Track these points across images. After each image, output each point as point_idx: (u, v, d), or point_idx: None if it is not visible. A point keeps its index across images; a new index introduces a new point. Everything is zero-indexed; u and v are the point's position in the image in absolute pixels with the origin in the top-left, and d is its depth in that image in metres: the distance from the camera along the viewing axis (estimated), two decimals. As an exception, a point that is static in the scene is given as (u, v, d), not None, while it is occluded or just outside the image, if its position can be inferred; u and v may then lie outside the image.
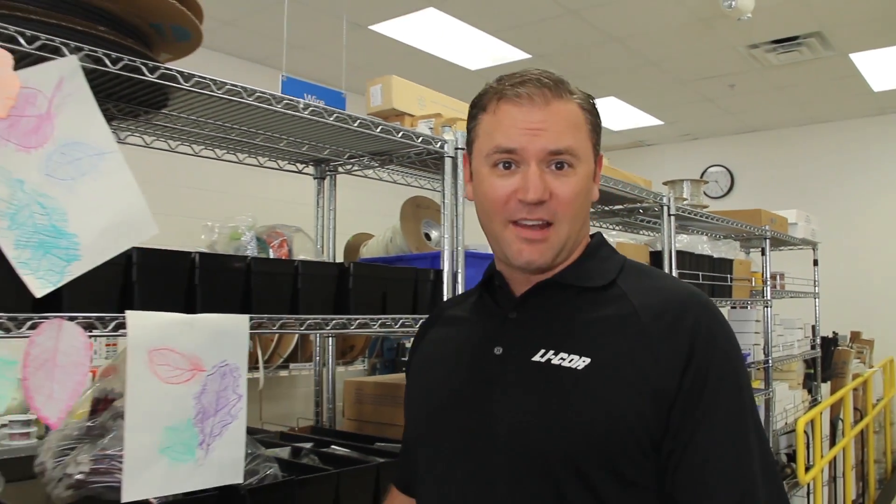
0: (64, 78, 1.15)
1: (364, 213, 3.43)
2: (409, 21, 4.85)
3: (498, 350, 1.09)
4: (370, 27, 4.94)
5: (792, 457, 4.53)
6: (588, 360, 1.01)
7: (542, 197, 1.03)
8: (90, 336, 1.18)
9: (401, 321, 1.65)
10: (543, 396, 1.02)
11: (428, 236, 2.07)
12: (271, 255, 1.67)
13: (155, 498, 1.33)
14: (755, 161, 7.92)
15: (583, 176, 1.07)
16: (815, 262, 5.02)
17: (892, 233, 6.98)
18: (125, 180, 1.20)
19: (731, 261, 3.47)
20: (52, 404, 1.14)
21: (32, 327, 1.13)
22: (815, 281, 4.96)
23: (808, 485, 4.24)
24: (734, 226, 3.64)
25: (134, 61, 1.23)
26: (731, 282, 3.45)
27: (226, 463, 1.35)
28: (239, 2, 4.51)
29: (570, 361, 1.02)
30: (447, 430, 1.09)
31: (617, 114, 7.11)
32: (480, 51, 5.42)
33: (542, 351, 1.05)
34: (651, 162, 8.32)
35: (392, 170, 2.09)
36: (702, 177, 8.05)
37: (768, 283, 3.95)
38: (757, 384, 3.91)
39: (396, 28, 4.96)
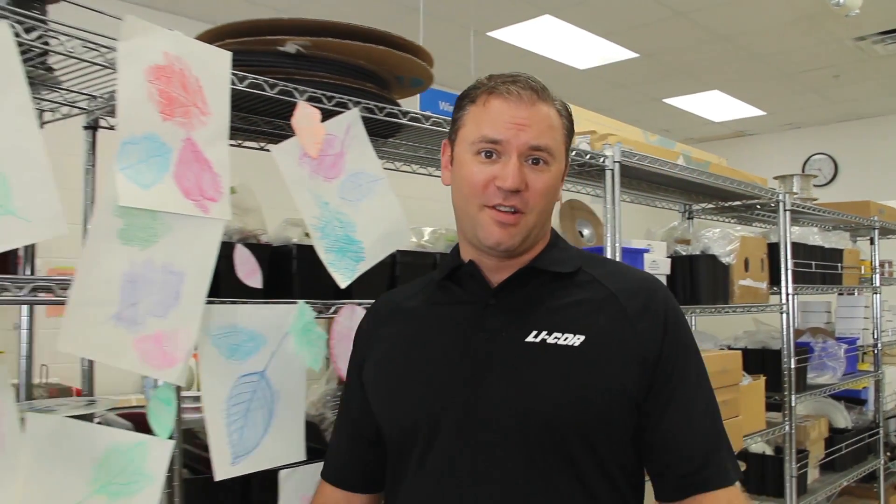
0: (350, 125, 1.57)
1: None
2: (526, 27, 5.20)
3: (486, 335, 1.16)
4: (488, 34, 5.32)
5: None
6: (583, 337, 1.12)
7: (519, 186, 1.12)
8: (366, 314, 1.60)
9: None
10: (547, 372, 1.10)
11: (581, 233, 2.43)
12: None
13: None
14: (859, 148, 7.92)
15: (555, 173, 1.18)
16: (923, 250, 5.13)
17: None
18: (391, 200, 1.62)
19: (840, 250, 3.70)
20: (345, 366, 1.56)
21: (335, 311, 1.56)
22: (922, 268, 5.07)
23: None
24: (844, 217, 3.86)
25: (393, 109, 1.65)
26: (841, 270, 3.68)
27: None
28: (373, 13, 4.95)
29: (565, 339, 1.12)
30: (442, 421, 1.13)
31: (719, 105, 7.27)
32: (590, 52, 5.73)
33: (535, 332, 1.13)
34: (753, 151, 8.43)
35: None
36: (804, 165, 8.12)
37: (877, 270, 4.14)
38: (866, 366, 4.11)
39: (514, 34, 5.32)
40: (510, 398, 1.10)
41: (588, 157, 2.06)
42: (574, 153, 2.06)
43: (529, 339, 1.13)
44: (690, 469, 1.13)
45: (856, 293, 4.21)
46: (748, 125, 8.17)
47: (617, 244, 2.07)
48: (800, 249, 3.27)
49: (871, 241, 4.19)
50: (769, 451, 3.25)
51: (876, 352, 4.09)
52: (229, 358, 1.39)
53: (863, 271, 4.08)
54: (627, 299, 1.16)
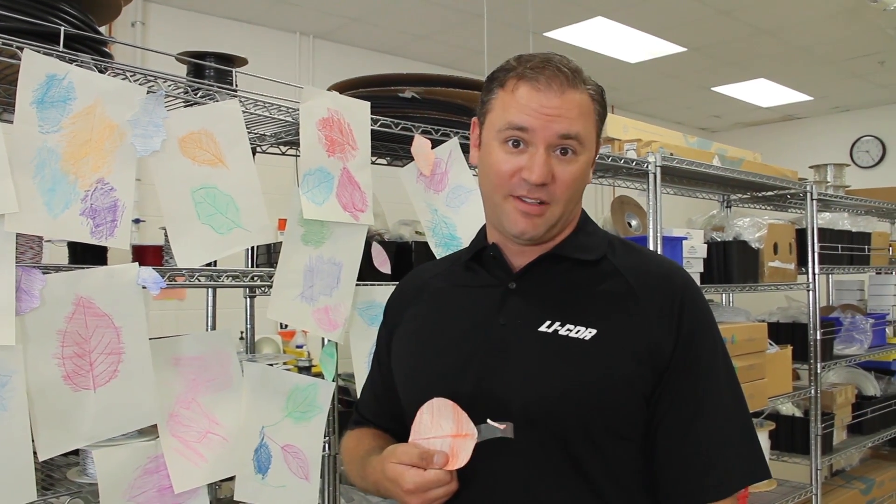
0: (451, 150, 2.07)
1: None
2: (580, 28, 5.63)
3: (503, 321, 1.15)
4: (545, 34, 5.76)
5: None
6: (594, 332, 1.10)
7: (545, 180, 1.10)
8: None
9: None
10: (555, 365, 1.10)
11: (630, 224, 2.91)
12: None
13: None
14: (907, 130, 8.12)
15: (584, 162, 1.14)
16: (957, 231, 5.45)
17: None
18: (481, 206, 2.12)
19: (868, 234, 4.10)
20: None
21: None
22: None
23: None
24: (872, 203, 4.24)
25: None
26: (868, 252, 4.07)
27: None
28: (433, 19, 5.44)
29: (577, 332, 1.11)
30: (455, 402, 1.09)
31: (766, 92, 7.57)
32: (640, 47, 6.12)
33: (549, 322, 1.12)
34: (801, 134, 8.68)
35: (600, 175, 2.94)
36: (852, 147, 8.35)
37: (907, 251, 4.52)
38: (895, 340, 4.50)
39: (569, 34, 5.76)
40: (516, 387, 1.10)
41: (634, 163, 2.54)
42: (622, 160, 2.53)
43: (542, 328, 1.12)
44: (691, 476, 1.12)
45: (883, 273, 4.59)
46: (796, 109, 8.44)
47: (659, 234, 2.53)
48: (827, 233, 3.68)
49: (902, 225, 4.56)
50: (798, 414, 3.69)
51: (905, 327, 4.48)
52: (370, 325, 1.92)
53: (892, 253, 4.46)
54: (645, 293, 1.15)
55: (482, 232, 1.30)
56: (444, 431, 1.06)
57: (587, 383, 1.09)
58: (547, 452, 1.09)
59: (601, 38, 5.88)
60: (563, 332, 1.11)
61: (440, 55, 6.23)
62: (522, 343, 1.13)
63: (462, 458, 1.04)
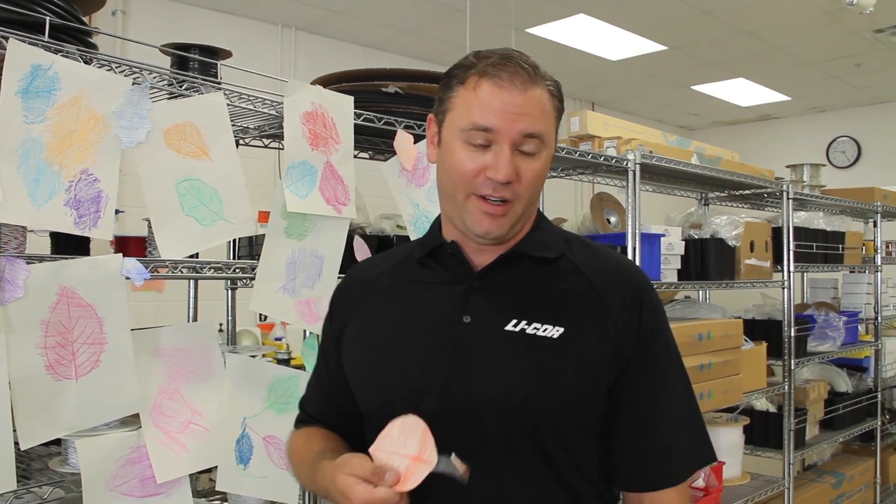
0: (433, 145, 2.09)
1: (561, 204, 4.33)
2: (562, 24, 5.66)
3: (466, 318, 1.14)
4: (527, 30, 5.78)
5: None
6: (561, 330, 1.12)
7: (511, 178, 1.09)
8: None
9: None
10: (524, 364, 1.10)
11: (609, 220, 2.94)
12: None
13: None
14: (882, 131, 8.21)
15: (545, 159, 1.14)
16: (932, 232, 5.54)
17: None
18: (463, 200, 2.14)
19: (843, 233, 4.16)
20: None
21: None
22: (930, 249, 5.50)
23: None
24: (847, 203, 4.31)
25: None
26: (842, 251, 4.14)
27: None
28: (415, 13, 5.45)
29: (544, 331, 1.11)
30: (419, 405, 1.09)
31: (745, 92, 7.65)
32: (621, 45, 6.17)
33: (515, 321, 1.13)
34: (779, 134, 8.78)
35: (580, 172, 2.97)
36: (829, 147, 8.46)
37: (879, 251, 4.59)
38: (867, 337, 4.58)
39: (551, 30, 5.78)
40: (487, 386, 1.10)
41: (614, 161, 2.57)
42: (602, 158, 2.56)
43: (509, 327, 1.12)
44: (651, 465, 1.17)
45: (856, 271, 4.67)
46: (774, 109, 8.53)
47: (637, 231, 2.57)
48: (802, 232, 3.74)
49: (875, 224, 4.63)
50: (772, 409, 3.75)
51: (876, 324, 4.55)
52: (351, 317, 1.93)
53: (865, 252, 4.53)
54: (607, 291, 1.17)
55: (435, 228, 1.27)
56: (408, 451, 1.05)
57: (557, 382, 1.10)
58: (517, 449, 1.11)
59: (583, 35, 5.91)
60: (530, 330, 1.12)
61: (422, 49, 6.24)
62: (490, 343, 1.12)
63: (413, 481, 1.03)
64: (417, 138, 2.05)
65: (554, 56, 6.29)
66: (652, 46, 6.17)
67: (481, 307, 1.15)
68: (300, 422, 1.37)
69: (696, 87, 7.51)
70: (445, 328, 1.15)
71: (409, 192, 2.04)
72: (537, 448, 1.11)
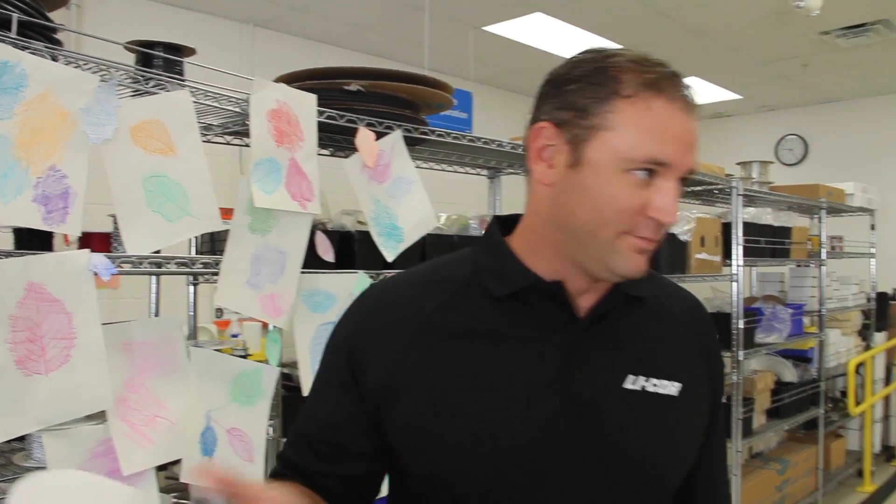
0: (395, 142, 2.14)
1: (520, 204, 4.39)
2: (519, 23, 5.73)
3: (582, 376, 0.95)
4: (484, 28, 5.85)
5: (844, 394, 5.37)
6: (679, 385, 0.99)
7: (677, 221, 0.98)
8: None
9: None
10: (655, 431, 0.97)
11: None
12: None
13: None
14: (828, 129, 8.44)
15: None
16: (872, 227, 5.74)
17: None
18: (423, 196, 2.19)
19: (789, 228, 4.31)
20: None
21: (383, 277, 2.14)
22: (871, 243, 5.70)
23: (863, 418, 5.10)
24: (793, 199, 4.46)
25: (423, 128, 2.21)
26: (789, 245, 4.29)
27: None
28: (374, 10, 5.47)
29: (664, 388, 0.98)
30: (543, 477, 0.93)
31: (698, 90, 7.80)
32: (577, 45, 6.26)
33: (633, 378, 0.97)
34: (730, 131, 8.99)
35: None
36: (777, 145, 8.70)
37: (824, 245, 4.76)
38: (812, 329, 4.75)
39: (508, 29, 5.85)
40: (616, 457, 0.94)
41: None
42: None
43: (628, 385, 0.96)
44: None
45: (801, 266, 4.84)
46: (725, 107, 8.72)
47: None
48: (751, 228, 3.87)
49: (820, 220, 4.80)
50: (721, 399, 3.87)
51: (820, 316, 4.72)
52: (313, 311, 1.97)
53: (811, 246, 4.70)
54: (695, 334, 1.06)
55: (507, 257, 1.00)
56: None
57: (687, 451, 1.01)
58: None
59: (539, 33, 5.99)
60: (650, 388, 0.97)
61: (380, 46, 6.25)
62: (612, 405, 0.95)
63: None
64: (379, 135, 2.09)
65: (511, 54, 6.36)
66: (608, 45, 6.27)
67: (593, 360, 0.96)
68: (276, 476, 1.05)
69: (650, 85, 7.64)
70: (556, 388, 0.94)
71: (370, 189, 2.08)
72: None
